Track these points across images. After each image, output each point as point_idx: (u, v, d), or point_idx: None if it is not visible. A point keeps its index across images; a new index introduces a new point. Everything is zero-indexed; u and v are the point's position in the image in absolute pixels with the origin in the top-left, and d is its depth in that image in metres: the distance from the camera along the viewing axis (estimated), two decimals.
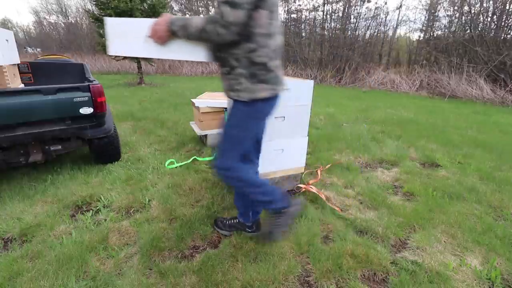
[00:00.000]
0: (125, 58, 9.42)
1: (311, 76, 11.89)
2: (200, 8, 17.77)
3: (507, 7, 8.75)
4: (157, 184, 2.43)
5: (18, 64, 2.80)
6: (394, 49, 13.73)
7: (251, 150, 1.58)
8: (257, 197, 1.50)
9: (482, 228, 1.90)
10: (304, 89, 2.07)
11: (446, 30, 11.07)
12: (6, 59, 2.33)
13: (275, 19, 1.30)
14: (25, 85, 2.80)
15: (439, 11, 11.50)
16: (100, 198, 2.19)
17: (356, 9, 12.14)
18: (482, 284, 1.47)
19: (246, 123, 1.41)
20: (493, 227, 1.90)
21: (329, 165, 2.88)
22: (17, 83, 2.64)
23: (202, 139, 3.59)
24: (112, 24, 1.32)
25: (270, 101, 1.39)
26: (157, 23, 1.29)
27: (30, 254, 1.59)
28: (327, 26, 12.76)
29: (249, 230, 1.78)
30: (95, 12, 8.76)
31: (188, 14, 17.83)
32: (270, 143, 2.09)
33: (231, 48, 1.30)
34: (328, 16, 12.71)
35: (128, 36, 1.33)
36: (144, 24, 1.31)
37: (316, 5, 12.88)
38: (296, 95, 2.05)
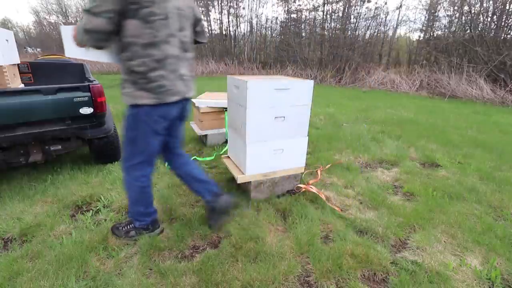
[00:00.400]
0: None
1: (311, 76, 11.89)
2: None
3: (507, 7, 8.74)
4: (157, 184, 2.43)
5: (18, 64, 2.80)
6: (394, 49, 13.73)
7: (154, 154, 1.60)
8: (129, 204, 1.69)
9: (482, 228, 1.90)
10: (304, 89, 2.07)
11: (446, 30, 11.07)
12: (6, 59, 2.33)
13: (160, 29, 1.33)
14: (25, 85, 2.80)
15: (439, 11, 11.50)
16: (100, 198, 2.19)
17: (356, 9, 12.15)
18: (482, 284, 1.47)
19: (136, 125, 1.48)
20: (493, 227, 1.90)
21: (329, 165, 2.88)
22: (17, 83, 2.64)
23: (202, 139, 3.59)
24: (65, 31, 1.53)
25: (157, 108, 1.43)
26: (73, 29, 1.38)
27: (30, 254, 1.59)
28: (327, 26, 12.76)
29: (142, 231, 1.75)
30: None
31: None
32: (270, 143, 2.09)
33: (119, 55, 1.41)
34: (328, 16, 12.72)
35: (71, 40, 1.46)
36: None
37: (316, 5, 12.88)
38: (296, 96, 2.05)
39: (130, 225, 1.74)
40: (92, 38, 1.27)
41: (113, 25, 1.28)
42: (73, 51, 1.54)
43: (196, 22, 1.65)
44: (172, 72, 1.42)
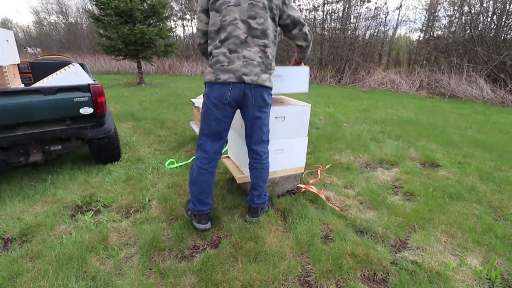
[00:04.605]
0: (124, 58, 9.42)
1: (311, 76, 11.89)
2: None
3: (507, 7, 8.74)
4: (157, 184, 2.43)
5: (18, 64, 2.80)
6: (394, 49, 13.74)
7: (208, 137, 1.68)
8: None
9: (482, 228, 1.90)
10: (300, 75, 2.05)
11: (446, 30, 11.08)
12: (6, 59, 2.33)
13: (228, 14, 1.52)
14: (25, 85, 2.80)
15: (439, 11, 11.51)
16: (100, 198, 2.19)
17: (356, 9, 12.16)
18: (482, 284, 1.47)
19: (204, 104, 1.65)
20: (493, 227, 1.90)
21: (329, 165, 2.88)
22: (17, 83, 2.64)
23: None
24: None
25: (214, 86, 1.55)
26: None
27: (30, 254, 1.59)
28: (327, 26, 12.76)
29: (192, 218, 1.84)
30: (95, 12, 8.75)
31: (188, 14, 17.82)
32: (270, 143, 2.09)
33: None
34: (328, 16, 12.72)
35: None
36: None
37: (316, 5, 12.88)
38: (290, 82, 2.03)
39: (189, 204, 1.84)
40: (195, 36, 1.56)
41: (202, 23, 1.61)
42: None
43: (290, 24, 1.67)
44: (232, 52, 1.52)
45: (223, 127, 1.65)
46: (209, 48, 1.59)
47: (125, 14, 8.28)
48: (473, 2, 9.42)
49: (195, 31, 1.73)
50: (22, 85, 2.78)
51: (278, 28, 1.69)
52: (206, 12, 1.57)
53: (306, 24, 1.71)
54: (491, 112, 6.28)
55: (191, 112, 5.08)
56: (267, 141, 1.82)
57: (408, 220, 1.97)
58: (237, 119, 2.11)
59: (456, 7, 10.30)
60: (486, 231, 1.87)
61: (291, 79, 2.02)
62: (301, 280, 1.48)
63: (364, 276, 1.50)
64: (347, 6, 12.08)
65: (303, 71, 2.05)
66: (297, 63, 2.02)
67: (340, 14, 12.36)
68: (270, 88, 1.65)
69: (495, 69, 8.41)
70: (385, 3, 14.86)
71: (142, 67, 9.86)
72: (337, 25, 12.48)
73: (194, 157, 3.01)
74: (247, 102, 1.59)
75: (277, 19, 1.62)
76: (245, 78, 1.52)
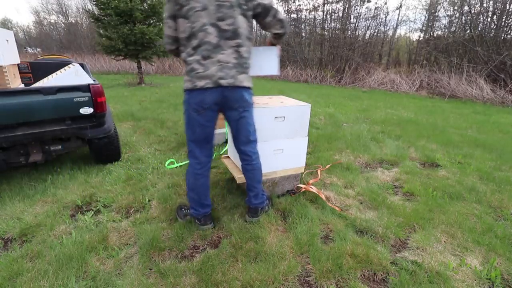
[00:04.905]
0: (124, 58, 9.42)
1: (311, 76, 11.89)
2: None
3: (507, 7, 8.74)
4: (157, 184, 2.43)
5: (18, 64, 2.80)
6: (394, 49, 13.74)
7: (202, 142, 1.69)
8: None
9: (482, 228, 1.90)
10: (269, 56, 1.92)
11: (446, 30, 11.08)
12: (6, 59, 2.33)
13: (197, 20, 1.48)
14: (25, 85, 2.80)
15: (439, 11, 11.51)
16: (100, 198, 2.19)
17: (356, 9, 12.16)
18: (482, 284, 1.47)
19: (185, 111, 1.64)
20: (493, 227, 1.90)
21: (329, 165, 2.88)
22: (17, 83, 2.64)
23: None
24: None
25: (193, 93, 1.55)
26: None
27: (30, 254, 1.59)
28: (327, 26, 12.76)
29: (196, 222, 1.85)
30: (95, 12, 8.75)
31: None
32: (270, 143, 2.09)
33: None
34: (328, 16, 12.72)
35: None
36: None
37: (316, 5, 12.89)
38: (258, 64, 1.89)
39: (190, 210, 1.85)
40: (164, 42, 1.58)
41: (170, 29, 1.56)
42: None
43: (262, 12, 1.62)
44: (206, 58, 1.51)
45: (208, 132, 1.65)
46: (183, 55, 1.58)
47: (125, 14, 8.28)
48: (473, 2, 9.43)
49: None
50: (22, 85, 2.78)
51: (254, 20, 1.66)
52: (174, 18, 1.53)
53: (279, 10, 1.65)
54: (491, 112, 6.28)
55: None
56: (255, 141, 1.81)
57: (408, 220, 1.97)
58: None
59: (456, 7, 10.30)
60: (486, 231, 1.87)
61: (259, 61, 1.89)
62: (301, 280, 1.48)
63: (364, 276, 1.50)
64: (347, 6, 12.09)
65: (272, 51, 1.91)
66: (272, 45, 1.91)
67: (340, 14, 12.37)
68: (250, 88, 1.66)
69: (495, 69, 8.41)
70: (385, 3, 14.87)
71: (142, 67, 9.86)
72: (337, 25, 12.49)
73: None
74: (228, 104, 1.60)
75: (249, 13, 1.58)
76: (222, 82, 1.52)
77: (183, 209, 1.94)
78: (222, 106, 1.61)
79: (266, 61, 1.87)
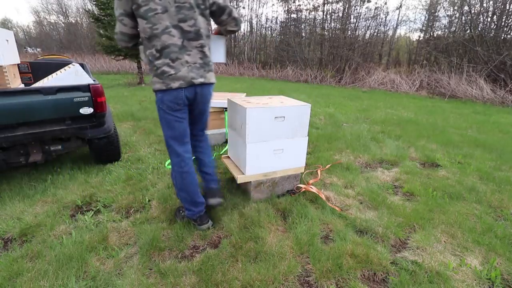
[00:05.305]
0: (124, 58, 9.42)
1: (311, 76, 11.89)
2: None
3: (507, 7, 8.75)
4: (157, 184, 2.43)
5: (18, 64, 2.80)
6: (394, 49, 13.75)
7: (182, 137, 1.74)
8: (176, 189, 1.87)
9: (482, 228, 1.90)
10: (216, 44, 1.91)
11: (446, 30, 11.09)
12: (6, 59, 2.34)
13: (158, 22, 1.49)
14: (25, 85, 2.80)
15: (439, 11, 11.51)
16: (100, 198, 2.19)
17: (356, 9, 12.16)
18: (482, 284, 1.47)
19: (159, 111, 1.67)
20: (493, 227, 1.90)
21: (329, 165, 2.88)
22: (17, 83, 2.64)
23: None
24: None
25: (167, 93, 1.59)
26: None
27: (30, 254, 1.59)
28: (327, 26, 12.77)
29: (193, 223, 1.86)
30: (95, 12, 8.75)
31: None
32: (270, 143, 2.09)
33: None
34: (328, 16, 12.73)
35: None
36: None
37: (316, 5, 12.89)
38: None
39: (185, 212, 1.87)
40: (117, 39, 1.61)
41: (126, 26, 1.55)
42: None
43: (217, 11, 1.66)
44: (175, 60, 1.55)
45: (185, 126, 1.72)
46: (145, 55, 1.62)
47: None
48: (473, 2, 9.43)
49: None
50: (22, 85, 2.78)
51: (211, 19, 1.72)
52: (131, 16, 1.52)
53: (234, 8, 1.70)
54: (491, 112, 6.28)
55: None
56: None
57: (408, 220, 1.97)
58: (237, 119, 2.11)
59: (456, 7, 10.30)
60: (486, 231, 1.87)
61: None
62: (301, 280, 1.48)
63: (364, 276, 1.50)
64: (347, 6, 12.10)
65: (221, 40, 1.92)
66: (219, 34, 1.93)
67: (340, 14, 12.37)
68: (214, 83, 1.78)
69: (495, 69, 8.41)
70: (385, 3, 14.87)
71: (142, 67, 9.86)
72: (337, 25, 12.50)
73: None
74: (198, 100, 1.71)
75: (207, 11, 1.62)
76: (195, 81, 1.61)
77: (181, 211, 1.95)
78: (193, 101, 1.70)
79: (214, 50, 1.88)
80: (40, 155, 2.34)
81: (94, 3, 8.39)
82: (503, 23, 8.96)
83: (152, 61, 1.56)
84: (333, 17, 12.63)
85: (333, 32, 12.51)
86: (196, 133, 1.92)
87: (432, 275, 1.49)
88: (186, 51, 1.57)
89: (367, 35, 12.60)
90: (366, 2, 11.80)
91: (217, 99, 3.34)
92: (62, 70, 2.55)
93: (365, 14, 12.13)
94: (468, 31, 9.69)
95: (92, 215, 1.99)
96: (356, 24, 12.28)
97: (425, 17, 12.31)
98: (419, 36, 13.13)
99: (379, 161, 3.09)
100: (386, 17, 12.52)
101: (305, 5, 13.71)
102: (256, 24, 16.72)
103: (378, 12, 12.13)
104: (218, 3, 1.63)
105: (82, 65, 3.28)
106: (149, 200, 2.18)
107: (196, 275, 1.47)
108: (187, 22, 1.54)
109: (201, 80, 1.63)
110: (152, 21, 1.48)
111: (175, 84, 1.56)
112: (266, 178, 2.17)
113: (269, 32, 16.89)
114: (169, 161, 2.91)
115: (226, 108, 3.24)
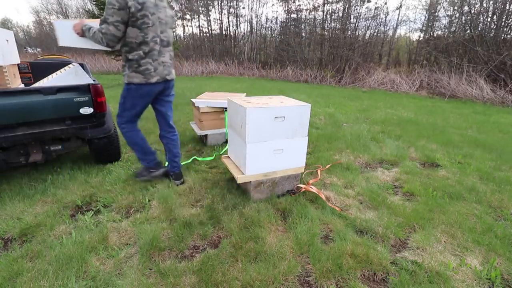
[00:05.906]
0: None
1: (311, 76, 11.89)
2: (200, 8, 17.76)
3: (507, 7, 8.75)
4: (157, 184, 2.43)
5: (18, 64, 2.80)
6: (394, 49, 13.75)
7: (138, 115, 2.27)
8: (134, 152, 2.42)
9: (482, 228, 1.90)
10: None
11: (446, 30, 11.09)
12: (6, 59, 2.34)
13: (149, 32, 1.97)
14: (25, 85, 2.80)
15: (439, 11, 11.52)
16: (100, 198, 2.19)
17: (356, 9, 12.17)
18: (482, 284, 1.47)
19: (127, 97, 2.14)
20: (493, 227, 1.90)
21: (329, 165, 2.88)
22: (17, 83, 2.64)
23: (202, 139, 3.59)
24: (58, 25, 2.07)
25: (143, 86, 2.08)
26: (75, 25, 2.03)
27: (30, 254, 1.59)
28: (327, 26, 12.77)
29: (151, 170, 2.44)
30: (95, 12, 8.75)
31: (188, 14, 17.84)
32: (270, 143, 2.09)
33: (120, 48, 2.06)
34: (328, 16, 12.74)
35: (66, 33, 2.05)
36: (71, 24, 2.05)
37: (316, 5, 12.90)
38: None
39: (142, 163, 2.45)
40: (106, 38, 1.89)
41: (120, 31, 1.91)
42: (67, 41, 2.07)
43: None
44: (155, 61, 2.06)
45: (142, 110, 2.24)
46: (131, 55, 2.00)
47: None
48: (473, 2, 9.43)
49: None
50: (22, 85, 2.78)
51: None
52: (126, 24, 1.90)
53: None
54: (491, 112, 6.28)
55: (191, 112, 5.08)
56: None
57: (408, 220, 1.97)
58: (237, 119, 2.11)
59: (456, 7, 10.31)
60: (486, 231, 1.87)
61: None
62: (301, 280, 1.48)
63: (364, 276, 1.50)
64: (347, 6, 12.10)
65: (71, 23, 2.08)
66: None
67: (340, 14, 12.38)
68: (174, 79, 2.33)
69: (495, 69, 8.41)
70: (385, 3, 14.86)
71: None
72: (337, 25, 12.50)
73: (194, 157, 3.02)
74: (165, 92, 2.26)
75: (173, 28, 2.23)
76: (167, 77, 2.18)
77: (141, 171, 2.44)
78: (162, 92, 2.23)
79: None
80: (40, 155, 2.34)
81: (94, 3, 8.39)
82: (503, 23, 8.96)
83: (138, 60, 2.00)
84: (333, 17, 12.64)
85: (333, 32, 12.52)
86: (168, 123, 2.41)
87: (432, 275, 1.49)
88: (162, 54, 2.10)
89: (367, 35, 12.60)
90: (366, 2, 11.81)
91: (217, 99, 3.34)
92: (62, 70, 2.55)
93: (365, 14, 12.15)
94: (468, 31, 9.69)
95: (92, 215, 1.99)
96: (356, 24, 12.29)
97: (425, 17, 12.32)
98: (419, 36, 13.14)
99: (379, 161, 3.09)
100: (386, 17, 12.54)
101: (305, 5, 13.75)
102: (256, 24, 16.73)
103: (378, 12, 12.14)
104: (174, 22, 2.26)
105: (82, 65, 3.28)
106: (149, 200, 2.18)
107: (196, 275, 1.47)
108: (164, 33, 2.09)
109: (171, 76, 2.23)
110: (145, 31, 1.95)
111: (153, 79, 2.07)
112: (266, 178, 2.17)
113: (269, 32, 16.91)
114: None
115: (226, 108, 3.24)
